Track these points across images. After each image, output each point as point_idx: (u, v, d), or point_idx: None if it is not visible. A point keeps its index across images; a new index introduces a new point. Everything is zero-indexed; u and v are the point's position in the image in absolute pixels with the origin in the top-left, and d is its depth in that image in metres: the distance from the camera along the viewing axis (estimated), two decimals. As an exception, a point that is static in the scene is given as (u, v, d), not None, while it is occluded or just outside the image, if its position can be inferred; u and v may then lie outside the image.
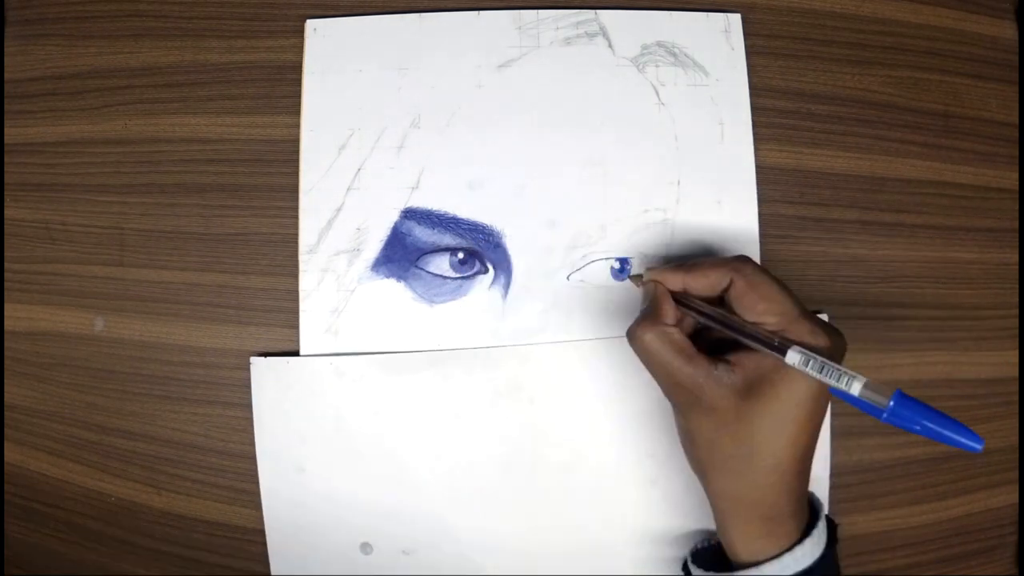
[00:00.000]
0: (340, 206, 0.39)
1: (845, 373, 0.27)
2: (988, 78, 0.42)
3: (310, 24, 0.40)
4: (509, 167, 0.39)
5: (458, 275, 0.39)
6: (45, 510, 0.43)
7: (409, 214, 0.39)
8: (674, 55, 0.40)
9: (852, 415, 0.40)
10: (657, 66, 0.40)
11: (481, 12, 0.40)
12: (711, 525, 0.34)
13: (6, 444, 0.43)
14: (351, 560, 0.40)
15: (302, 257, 0.39)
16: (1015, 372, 0.42)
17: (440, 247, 0.39)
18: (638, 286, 0.35)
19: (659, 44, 0.40)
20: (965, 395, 0.41)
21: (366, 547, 0.40)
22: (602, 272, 0.39)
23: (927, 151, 0.41)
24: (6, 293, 0.42)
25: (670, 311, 0.32)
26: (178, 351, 0.41)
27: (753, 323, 0.30)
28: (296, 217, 0.39)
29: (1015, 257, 0.42)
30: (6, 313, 0.42)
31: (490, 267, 0.39)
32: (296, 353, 0.39)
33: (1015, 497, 0.42)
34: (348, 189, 0.39)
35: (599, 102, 0.39)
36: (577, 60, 0.40)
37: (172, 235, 0.41)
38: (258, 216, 0.40)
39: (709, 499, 0.32)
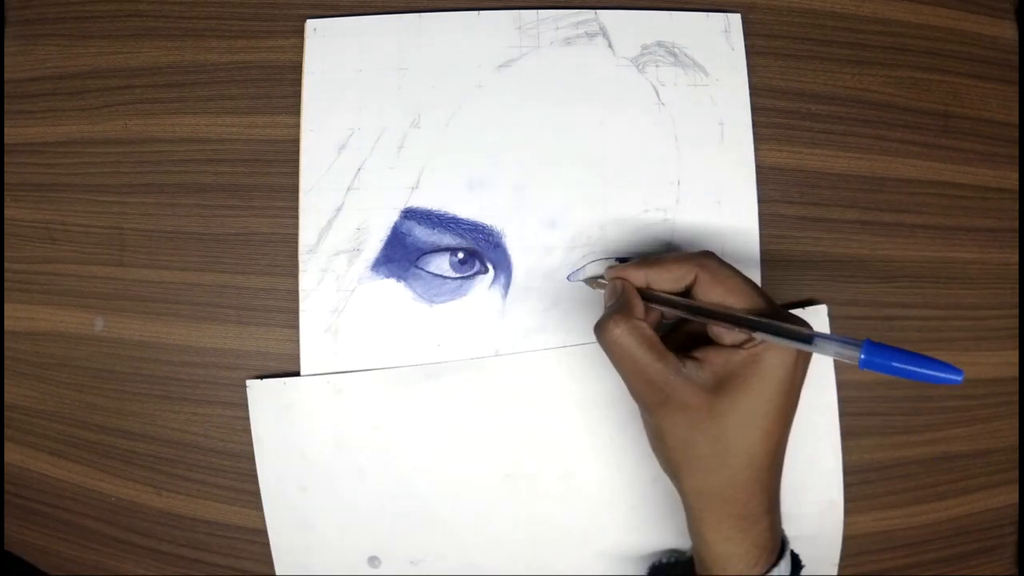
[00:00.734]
0: (340, 206, 0.39)
1: (815, 334, 0.27)
2: (988, 78, 0.42)
3: (310, 24, 0.40)
4: (509, 167, 0.39)
5: (458, 275, 0.39)
6: (45, 510, 0.43)
7: (409, 214, 0.39)
8: (674, 55, 0.40)
9: (852, 415, 0.40)
10: (657, 66, 0.40)
11: (481, 12, 0.40)
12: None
13: (6, 444, 0.43)
14: (360, 574, 0.40)
15: (302, 257, 0.39)
16: (1015, 372, 0.42)
17: (440, 247, 0.39)
18: (593, 287, 0.35)
19: (659, 44, 0.40)
20: (965, 395, 0.41)
21: (374, 560, 0.40)
22: (602, 272, 0.39)
23: (927, 151, 0.41)
24: (6, 293, 0.42)
25: (639, 306, 0.31)
26: (178, 351, 0.41)
27: (720, 304, 0.30)
28: (296, 217, 0.39)
29: (1015, 257, 0.42)
30: (6, 313, 0.42)
31: (490, 267, 0.39)
32: (297, 355, 0.39)
33: (1015, 497, 0.42)
34: (348, 189, 0.39)
35: (599, 102, 0.39)
36: (577, 60, 0.40)
37: (172, 235, 0.41)
38: (258, 216, 0.40)
39: (682, 498, 0.32)
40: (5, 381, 0.42)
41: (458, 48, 0.40)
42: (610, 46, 0.40)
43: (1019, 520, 0.42)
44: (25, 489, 0.43)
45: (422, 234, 0.39)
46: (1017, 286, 0.42)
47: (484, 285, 0.39)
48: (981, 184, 0.42)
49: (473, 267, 0.39)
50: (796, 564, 0.33)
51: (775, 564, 0.31)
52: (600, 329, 0.31)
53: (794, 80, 0.41)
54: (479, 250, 0.39)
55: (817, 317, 0.39)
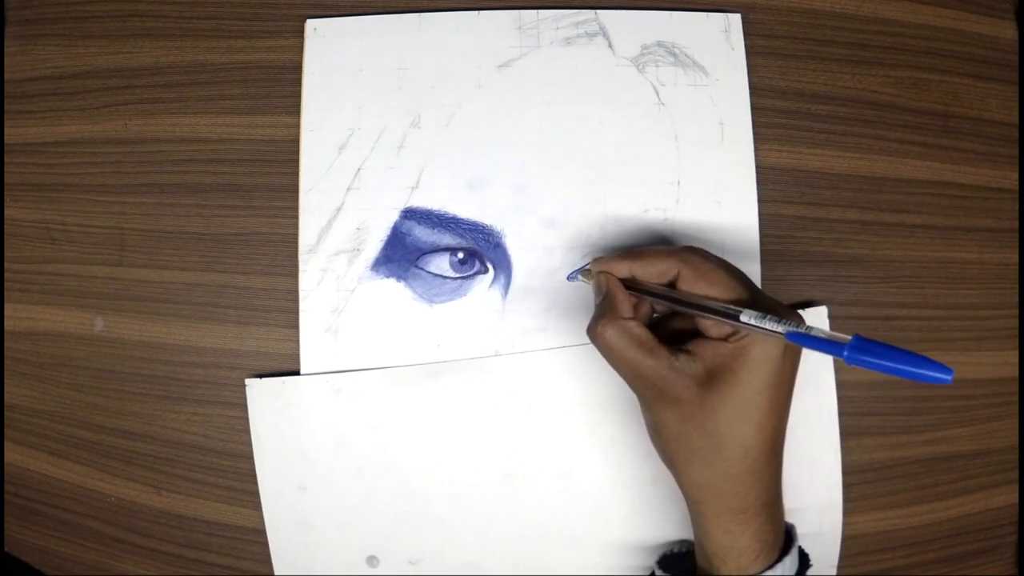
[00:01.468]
0: (340, 206, 0.39)
1: (796, 328, 0.27)
2: (988, 78, 0.42)
3: (310, 24, 0.40)
4: (509, 167, 0.39)
5: (458, 275, 0.39)
6: (45, 510, 0.43)
7: (409, 214, 0.39)
8: (674, 55, 0.40)
9: (851, 415, 0.40)
10: (657, 66, 0.40)
11: (481, 12, 0.40)
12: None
13: (6, 444, 0.43)
14: (358, 573, 0.40)
15: (302, 257, 0.39)
16: (1015, 372, 0.42)
17: (440, 247, 0.39)
18: (587, 280, 0.35)
19: (659, 44, 0.40)
20: (965, 395, 0.41)
21: (372, 560, 0.40)
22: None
23: (927, 151, 0.41)
24: (6, 293, 0.42)
25: (626, 303, 0.31)
26: (178, 351, 0.41)
27: (704, 295, 0.30)
28: (296, 217, 0.39)
29: (1015, 257, 0.42)
30: (6, 313, 0.42)
31: (490, 267, 0.39)
32: (297, 355, 0.39)
33: (1015, 497, 0.42)
34: (348, 189, 0.39)
35: (599, 102, 0.39)
36: (577, 60, 0.40)
37: (172, 235, 0.41)
38: (258, 216, 0.40)
39: (682, 491, 0.32)
40: (5, 381, 0.42)
41: (458, 48, 0.40)
42: (610, 46, 0.40)
43: (1019, 520, 0.42)
44: (25, 489, 0.43)
45: (422, 234, 0.39)
46: (1017, 286, 0.42)
47: (484, 285, 0.39)
48: (981, 184, 0.42)
49: (473, 267, 0.39)
50: (804, 562, 0.33)
51: (779, 559, 0.31)
52: (591, 333, 0.31)
53: (794, 80, 0.41)
54: (479, 250, 0.39)
55: (817, 318, 0.39)
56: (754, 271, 0.39)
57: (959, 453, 0.41)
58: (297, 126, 0.40)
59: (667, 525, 0.40)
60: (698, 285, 0.30)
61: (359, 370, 0.39)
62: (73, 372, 0.41)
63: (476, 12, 0.40)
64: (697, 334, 0.31)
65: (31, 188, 0.42)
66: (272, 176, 0.40)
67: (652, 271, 0.32)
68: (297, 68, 0.40)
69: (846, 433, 0.40)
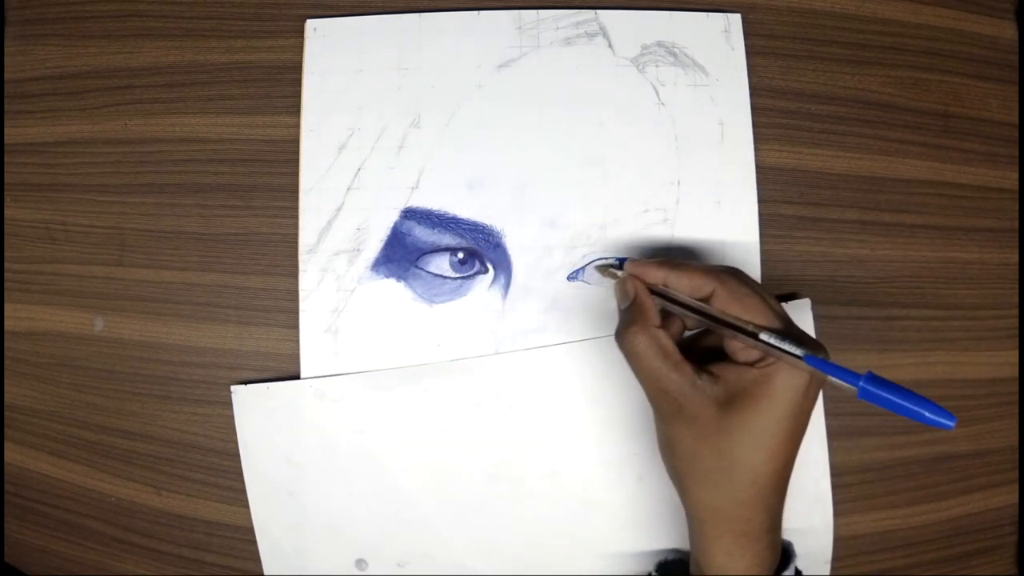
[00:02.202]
0: (340, 206, 0.39)
1: (818, 359, 0.27)
2: (988, 78, 0.42)
3: (310, 24, 0.40)
4: (509, 167, 0.39)
5: (458, 275, 0.39)
6: (45, 510, 0.43)
7: (409, 214, 0.39)
8: (674, 55, 0.40)
9: (852, 415, 0.40)
10: (657, 66, 0.40)
11: (481, 12, 0.40)
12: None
13: (6, 444, 0.43)
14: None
15: (302, 257, 0.39)
16: (1015, 372, 0.42)
17: (440, 247, 0.39)
18: (604, 275, 0.35)
19: (659, 44, 0.40)
20: (965, 395, 0.41)
21: (361, 563, 0.40)
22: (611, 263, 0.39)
23: (927, 151, 0.41)
24: (6, 293, 0.42)
25: (655, 313, 0.32)
26: (178, 351, 0.41)
27: (736, 318, 0.30)
28: (296, 217, 0.39)
29: (1015, 257, 0.42)
30: (6, 313, 0.42)
31: (490, 267, 0.39)
32: (297, 355, 0.39)
33: (1015, 497, 0.42)
34: (348, 189, 0.39)
35: (599, 102, 0.39)
36: (577, 60, 0.40)
37: (172, 235, 0.41)
38: (258, 216, 0.40)
39: (685, 509, 0.32)
40: (5, 381, 0.42)
41: (458, 48, 0.40)
42: (610, 46, 0.40)
43: (1019, 520, 0.42)
44: (25, 489, 0.43)
45: (422, 234, 0.39)
46: (1017, 286, 0.42)
47: (484, 285, 0.39)
48: (981, 184, 0.42)
49: (473, 267, 0.39)
50: None
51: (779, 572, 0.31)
52: (621, 338, 0.31)
53: (794, 80, 0.41)
54: (479, 250, 0.39)
55: (800, 311, 0.39)
56: (754, 271, 0.39)
57: (959, 453, 0.41)
58: (297, 126, 0.40)
59: (659, 525, 0.40)
60: (733, 307, 0.30)
61: (346, 374, 0.39)
62: (73, 372, 0.41)
63: (476, 12, 0.40)
64: (721, 358, 0.31)
65: (31, 188, 0.42)
66: (272, 176, 0.40)
67: (687, 284, 0.31)
68: (297, 68, 0.40)
69: (846, 433, 0.40)
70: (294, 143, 0.40)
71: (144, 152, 0.41)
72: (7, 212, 0.42)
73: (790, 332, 0.29)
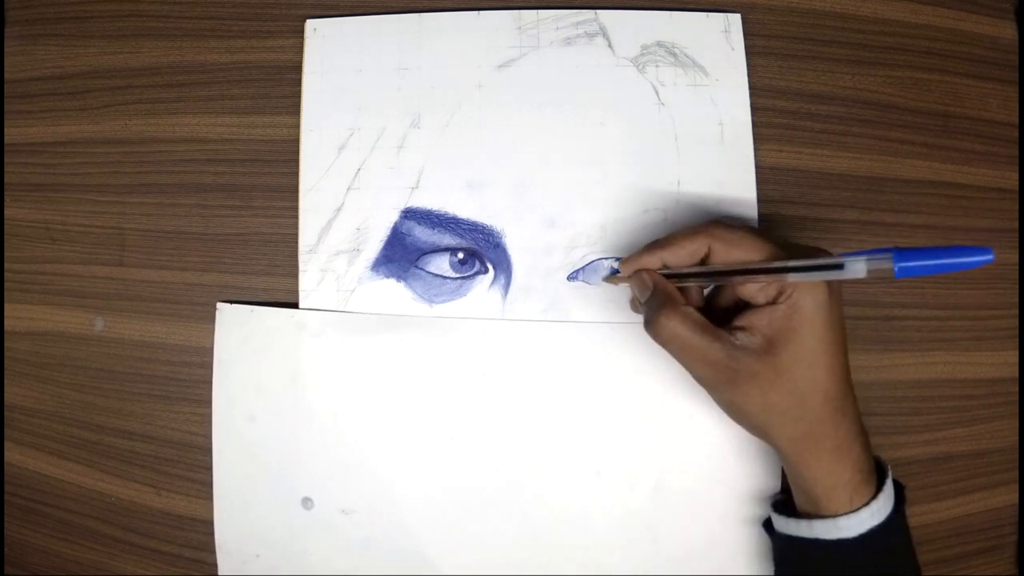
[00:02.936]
0: (340, 206, 0.39)
1: (844, 257, 0.27)
2: (988, 78, 0.42)
3: (310, 24, 0.40)
4: (509, 167, 0.39)
5: (458, 275, 0.39)
6: (45, 510, 0.43)
7: (409, 214, 0.39)
8: (674, 55, 0.40)
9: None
10: (657, 66, 0.40)
11: (481, 12, 0.40)
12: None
13: (6, 444, 0.43)
14: (292, 513, 0.40)
15: (302, 257, 0.39)
16: (1015, 372, 0.42)
17: (440, 247, 0.39)
18: (615, 284, 0.35)
19: (659, 44, 0.40)
20: (965, 395, 0.41)
21: (307, 502, 0.40)
22: (602, 272, 0.39)
23: (927, 151, 0.41)
24: (6, 293, 0.42)
25: (678, 293, 0.32)
26: (178, 351, 0.41)
27: (741, 262, 0.31)
28: (296, 217, 0.39)
29: (1015, 257, 0.42)
30: (6, 313, 0.42)
31: (490, 267, 0.39)
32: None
33: (1015, 497, 0.42)
34: (348, 189, 0.39)
35: (599, 102, 0.39)
36: (577, 60, 0.40)
37: (172, 235, 0.41)
38: (258, 216, 0.40)
39: (777, 451, 0.33)
40: (5, 381, 0.42)
41: (458, 48, 0.40)
42: (610, 46, 0.40)
43: (1019, 520, 0.42)
44: (25, 489, 0.43)
45: (422, 234, 0.39)
46: (1017, 286, 0.42)
47: (484, 285, 0.39)
48: (981, 184, 0.42)
49: (473, 267, 0.39)
50: (899, 488, 0.34)
51: (879, 487, 0.32)
52: (654, 327, 0.31)
53: (794, 80, 0.41)
54: (479, 250, 0.39)
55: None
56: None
57: (959, 453, 0.41)
58: (297, 126, 0.40)
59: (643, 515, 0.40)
60: (733, 254, 0.31)
61: (327, 310, 0.39)
62: (73, 372, 0.41)
63: (476, 12, 0.40)
64: (738, 311, 0.32)
65: (31, 188, 0.42)
66: (272, 176, 0.40)
67: (683, 254, 0.32)
68: (297, 68, 0.40)
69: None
70: (294, 143, 0.40)
71: (144, 152, 0.41)
72: (7, 212, 0.42)
73: (797, 250, 0.30)
